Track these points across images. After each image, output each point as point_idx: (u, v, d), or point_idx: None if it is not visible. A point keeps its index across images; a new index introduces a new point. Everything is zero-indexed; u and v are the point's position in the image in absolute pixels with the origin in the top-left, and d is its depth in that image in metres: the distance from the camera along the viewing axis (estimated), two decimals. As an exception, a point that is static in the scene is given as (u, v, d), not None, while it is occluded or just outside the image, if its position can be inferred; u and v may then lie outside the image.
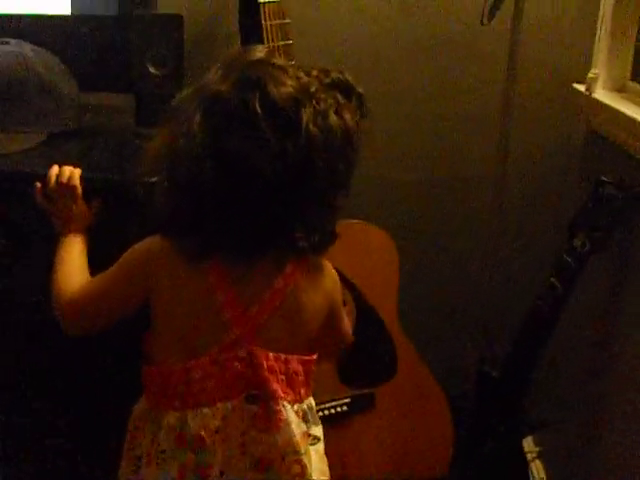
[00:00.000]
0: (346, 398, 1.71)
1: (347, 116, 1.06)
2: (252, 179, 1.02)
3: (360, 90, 1.10)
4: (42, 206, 1.29)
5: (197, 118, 1.03)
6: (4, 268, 1.44)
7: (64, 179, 1.28)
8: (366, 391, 1.73)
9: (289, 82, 1.04)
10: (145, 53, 1.54)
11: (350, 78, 1.10)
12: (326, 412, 1.68)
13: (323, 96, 1.05)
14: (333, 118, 1.05)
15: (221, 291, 1.10)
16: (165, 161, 1.07)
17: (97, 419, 1.49)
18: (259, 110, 1.01)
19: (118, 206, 1.36)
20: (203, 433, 1.10)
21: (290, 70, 1.06)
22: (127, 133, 1.60)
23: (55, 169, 1.29)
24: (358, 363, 1.70)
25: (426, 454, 1.79)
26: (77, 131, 1.58)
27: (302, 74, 1.07)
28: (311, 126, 1.02)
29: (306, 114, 1.02)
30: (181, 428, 1.11)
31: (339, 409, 1.70)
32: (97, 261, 1.23)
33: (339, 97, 1.07)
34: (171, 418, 1.12)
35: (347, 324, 1.31)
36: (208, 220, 1.05)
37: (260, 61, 1.07)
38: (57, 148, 1.49)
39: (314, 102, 1.04)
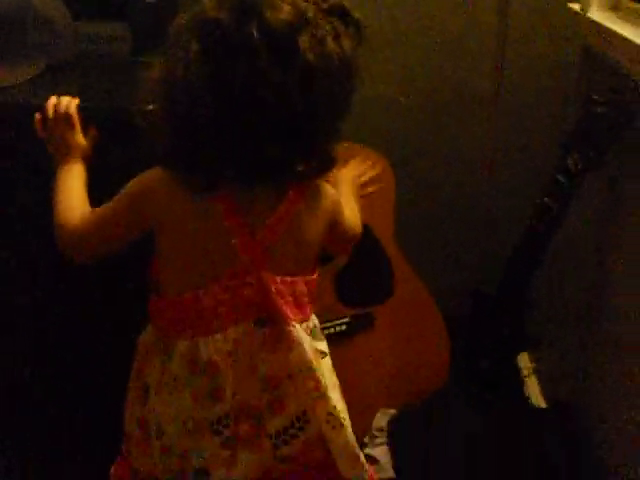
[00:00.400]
0: (345, 317, 1.76)
1: (345, 42, 1.05)
2: (251, 108, 1.02)
3: (357, 16, 1.08)
4: (41, 136, 1.30)
5: (194, 46, 1.02)
6: (7, 198, 1.47)
7: (61, 109, 1.29)
8: (365, 310, 1.78)
9: (286, 8, 1.01)
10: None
11: (347, 4, 1.08)
12: (325, 332, 1.71)
13: (321, 22, 1.03)
14: (331, 45, 1.03)
15: (228, 219, 1.11)
16: (163, 90, 1.06)
17: (101, 352, 1.53)
18: (257, 37, 1.00)
19: (117, 134, 1.37)
20: (217, 358, 1.13)
21: None
22: (123, 61, 1.60)
23: (53, 99, 1.30)
24: (356, 283, 1.74)
25: (424, 369, 1.84)
26: (74, 61, 1.58)
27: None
28: (309, 53, 1.01)
29: (304, 41, 1.01)
30: (193, 355, 1.14)
31: (338, 328, 1.74)
32: (98, 189, 1.24)
33: (337, 23, 1.05)
34: (182, 346, 1.14)
35: (352, 220, 1.32)
36: (209, 150, 1.05)
37: None
38: (55, 79, 1.50)
39: (311, 29, 1.02)
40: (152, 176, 1.14)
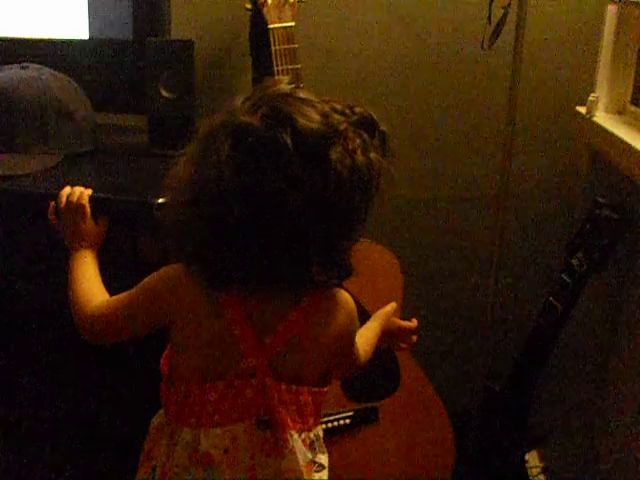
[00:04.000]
0: (350, 411, 1.75)
1: (372, 156, 1.06)
2: (279, 215, 1.03)
3: (383, 128, 1.10)
4: (53, 224, 1.35)
5: (226, 150, 1.03)
6: (23, 284, 1.50)
7: (74, 198, 1.34)
8: (369, 405, 1.77)
9: (317, 118, 1.03)
10: (158, 77, 1.58)
11: (374, 115, 1.10)
12: (329, 425, 1.72)
13: (351, 135, 1.04)
14: (360, 158, 1.04)
15: (237, 323, 1.12)
16: (190, 190, 1.07)
17: (118, 430, 1.54)
18: (290, 146, 1.00)
19: (131, 226, 1.41)
20: (213, 452, 1.13)
21: (318, 106, 1.05)
22: (141, 154, 1.65)
23: (66, 189, 1.35)
24: (362, 378, 1.74)
25: (427, 467, 1.82)
26: (93, 152, 1.63)
27: (329, 109, 1.05)
28: (339, 165, 1.02)
29: (335, 153, 1.02)
30: (195, 444, 1.14)
31: (342, 422, 1.74)
32: (109, 281, 1.28)
33: (365, 136, 1.06)
34: (186, 434, 1.15)
35: (364, 349, 1.33)
36: (228, 251, 1.06)
37: (288, 94, 1.06)
38: (73, 168, 1.54)
39: (342, 141, 1.03)
40: (170, 273, 1.15)
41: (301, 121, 1.01)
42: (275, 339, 1.13)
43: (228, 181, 1.02)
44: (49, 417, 1.59)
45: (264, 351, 1.13)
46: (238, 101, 1.08)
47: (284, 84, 1.09)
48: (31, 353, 1.55)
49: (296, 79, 1.59)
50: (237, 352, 1.13)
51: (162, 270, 1.17)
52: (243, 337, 1.12)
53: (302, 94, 1.07)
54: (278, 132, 1.01)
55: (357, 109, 1.08)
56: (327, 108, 1.05)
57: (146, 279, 1.18)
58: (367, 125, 1.08)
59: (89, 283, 1.28)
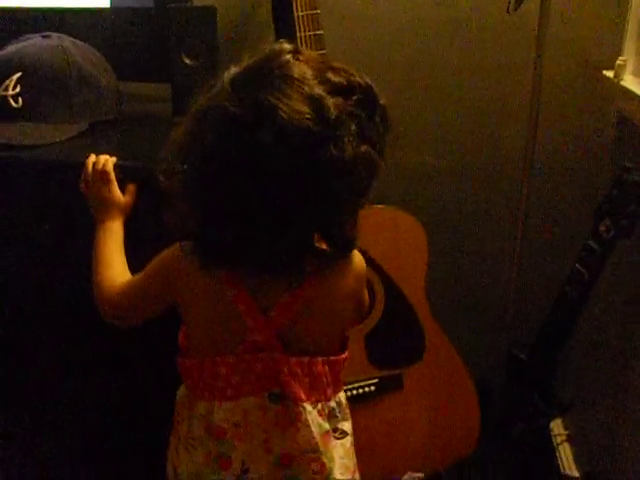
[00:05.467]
0: (374, 378, 1.75)
1: (371, 135, 1.02)
2: (265, 203, 1.00)
3: (383, 102, 1.05)
4: (82, 192, 1.36)
5: (210, 140, 1.01)
6: (49, 254, 1.51)
7: (99, 166, 1.34)
8: (394, 372, 1.77)
9: (306, 111, 0.97)
10: (180, 44, 1.58)
11: (374, 87, 1.04)
12: (354, 392, 1.72)
13: (346, 121, 0.99)
14: (352, 146, 0.99)
15: (240, 300, 1.12)
16: (180, 171, 1.06)
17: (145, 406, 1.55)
18: (272, 145, 0.97)
19: (154, 194, 1.41)
20: (224, 425, 1.15)
21: (308, 90, 0.98)
22: (164, 122, 1.65)
23: (92, 157, 1.36)
24: (386, 344, 1.75)
25: (452, 435, 1.82)
26: (116, 120, 1.63)
27: (322, 93, 0.99)
28: (329, 155, 0.98)
29: (323, 152, 0.98)
30: (209, 417, 1.16)
31: (367, 389, 1.74)
32: (136, 249, 1.29)
33: (363, 116, 1.01)
34: (201, 407, 1.17)
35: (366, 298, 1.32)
36: (219, 231, 1.05)
37: (281, 74, 1.00)
38: (97, 137, 1.55)
39: (333, 134, 0.98)
40: (171, 254, 1.17)
41: (286, 116, 0.96)
42: (280, 312, 1.13)
43: (213, 174, 1.01)
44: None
45: (270, 325, 1.13)
46: (229, 75, 1.04)
47: (284, 53, 1.03)
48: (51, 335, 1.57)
49: (319, 45, 1.58)
50: (243, 327, 1.13)
51: (165, 252, 1.18)
52: (247, 312, 1.12)
53: (296, 70, 1.00)
54: (261, 126, 0.97)
55: (356, 82, 1.03)
56: (321, 91, 0.99)
57: (152, 261, 1.20)
58: (366, 102, 1.03)
59: (111, 260, 1.29)
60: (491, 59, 1.98)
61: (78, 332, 1.54)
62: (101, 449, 1.62)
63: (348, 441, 1.24)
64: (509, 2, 1.67)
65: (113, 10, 1.73)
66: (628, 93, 1.69)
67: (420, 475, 1.80)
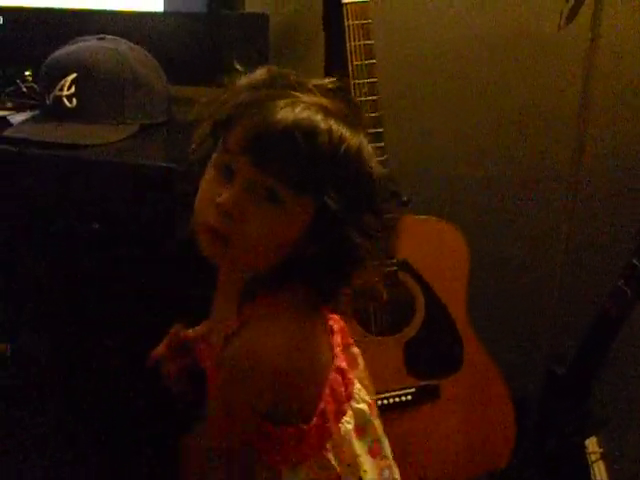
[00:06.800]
0: (411, 388, 1.75)
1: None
2: None
3: (356, 101, 1.08)
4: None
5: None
6: (97, 253, 1.53)
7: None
8: (431, 382, 1.77)
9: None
10: (232, 50, 1.60)
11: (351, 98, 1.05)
12: (391, 400, 1.73)
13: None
14: None
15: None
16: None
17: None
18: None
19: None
20: None
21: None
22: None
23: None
24: (425, 355, 1.75)
25: (487, 446, 1.81)
26: (166, 123, 1.65)
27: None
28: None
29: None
30: None
31: (404, 398, 1.74)
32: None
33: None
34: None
35: None
36: None
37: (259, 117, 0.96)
38: (148, 139, 1.56)
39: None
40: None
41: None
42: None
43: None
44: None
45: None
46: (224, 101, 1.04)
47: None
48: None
49: (369, 55, 1.59)
50: None
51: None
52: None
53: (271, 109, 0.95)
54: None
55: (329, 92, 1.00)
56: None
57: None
58: (342, 109, 1.00)
59: None
60: (542, 71, 1.99)
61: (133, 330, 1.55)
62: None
63: None
64: (560, 19, 1.67)
65: (166, 14, 1.76)
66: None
67: (453, 486, 1.80)
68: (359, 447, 1.10)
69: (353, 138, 0.97)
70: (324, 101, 0.98)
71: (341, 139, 0.96)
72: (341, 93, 1.02)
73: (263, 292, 1.03)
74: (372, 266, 1.03)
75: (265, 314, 1.01)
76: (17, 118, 1.65)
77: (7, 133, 1.50)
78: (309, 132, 0.94)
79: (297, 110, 0.95)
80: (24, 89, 1.77)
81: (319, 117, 0.95)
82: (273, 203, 0.96)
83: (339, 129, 0.96)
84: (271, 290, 1.02)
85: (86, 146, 1.48)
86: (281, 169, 0.95)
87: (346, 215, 0.97)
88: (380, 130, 1.60)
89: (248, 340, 0.99)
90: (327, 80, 1.03)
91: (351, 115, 1.00)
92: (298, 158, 0.94)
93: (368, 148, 1.00)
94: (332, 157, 0.95)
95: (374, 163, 1.01)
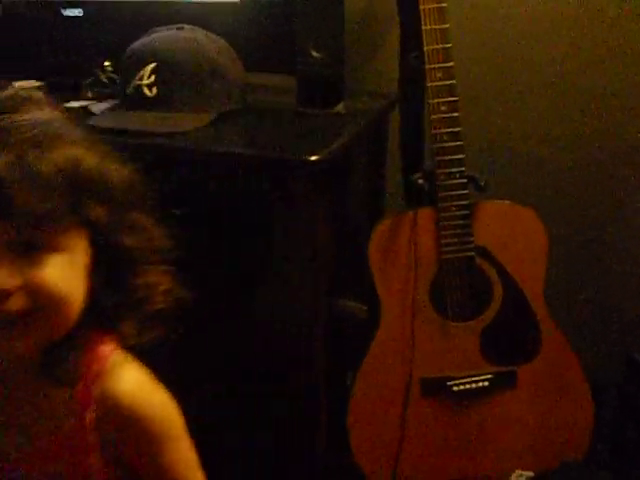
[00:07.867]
0: (488, 373, 1.74)
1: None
2: None
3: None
4: None
5: None
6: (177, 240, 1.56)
7: None
8: (508, 368, 1.75)
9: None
10: (307, 37, 1.61)
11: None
12: (467, 386, 1.72)
13: None
14: None
15: None
16: None
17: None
18: None
19: (282, 184, 1.45)
20: None
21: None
22: (288, 113, 1.69)
23: None
24: (502, 340, 1.73)
25: (564, 435, 1.78)
26: (242, 110, 1.68)
27: None
28: None
29: None
30: None
31: (481, 384, 1.73)
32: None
33: None
34: None
35: None
36: None
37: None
38: (225, 127, 1.59)
39: None
40: None
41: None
42: None
43: None
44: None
45: None
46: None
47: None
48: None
49: (444, 39, 1.57)
50: None
51: None
52: None
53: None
54: None
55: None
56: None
57: None
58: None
59: None
60: (618, 52, 1.93)
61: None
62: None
63: None
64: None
65: (242, 2, 1.78)
66: None
67: (530, 474, 1.78)
68: None
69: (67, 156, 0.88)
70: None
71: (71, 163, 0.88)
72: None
73: None
74: (154, 270, 0.97)
75: None
76: (99, 107, 1.70)
77: (93, 122, 1.54)
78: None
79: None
80: (104, 79, 1.82)
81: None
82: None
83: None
84: None
85: (167, 134, 1.52)
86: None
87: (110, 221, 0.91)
88: (456, 115, 1.59)
89: None
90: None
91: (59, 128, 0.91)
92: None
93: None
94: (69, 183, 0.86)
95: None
